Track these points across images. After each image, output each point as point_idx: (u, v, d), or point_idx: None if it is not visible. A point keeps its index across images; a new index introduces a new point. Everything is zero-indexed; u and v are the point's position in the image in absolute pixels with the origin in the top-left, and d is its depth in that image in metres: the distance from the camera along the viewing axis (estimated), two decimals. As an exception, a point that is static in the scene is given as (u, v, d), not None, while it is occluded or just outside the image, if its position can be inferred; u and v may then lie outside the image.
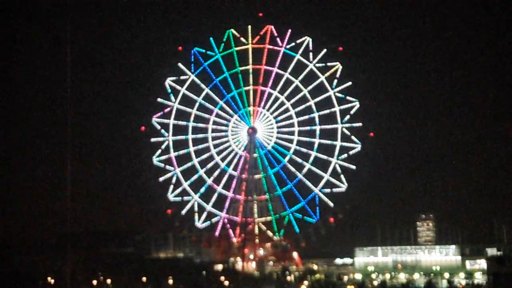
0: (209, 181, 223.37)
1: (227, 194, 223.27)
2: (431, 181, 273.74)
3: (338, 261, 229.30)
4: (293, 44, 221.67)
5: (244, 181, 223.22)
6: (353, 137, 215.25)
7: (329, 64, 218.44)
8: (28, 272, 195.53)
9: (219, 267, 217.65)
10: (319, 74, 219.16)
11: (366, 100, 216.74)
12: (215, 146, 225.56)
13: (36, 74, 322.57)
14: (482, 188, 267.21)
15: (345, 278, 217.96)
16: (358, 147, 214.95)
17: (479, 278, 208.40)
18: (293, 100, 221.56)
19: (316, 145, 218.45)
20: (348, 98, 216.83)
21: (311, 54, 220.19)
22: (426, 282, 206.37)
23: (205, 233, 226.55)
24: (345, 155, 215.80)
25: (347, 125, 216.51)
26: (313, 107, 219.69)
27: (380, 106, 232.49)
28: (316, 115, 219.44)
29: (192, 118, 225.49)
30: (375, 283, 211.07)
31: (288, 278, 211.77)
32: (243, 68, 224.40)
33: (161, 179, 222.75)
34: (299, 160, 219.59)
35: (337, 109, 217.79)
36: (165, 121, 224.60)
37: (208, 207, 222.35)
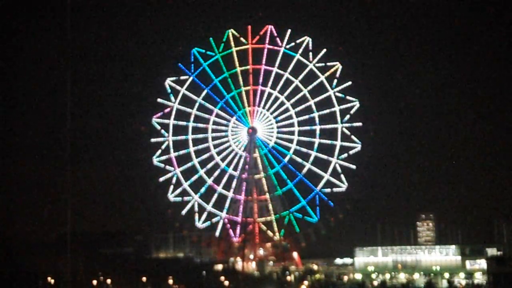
0: (209, 181, 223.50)
1: (227, 194, 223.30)
2: (431, 181, 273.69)
3: (338, 261, 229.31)
4: (293, 44, 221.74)
5: (244, 181, 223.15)
6: (353, 137, 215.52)
7: (329, 64, 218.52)
8: (28, 272, 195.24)
9: (219, 267, 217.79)
10: (319, 74, 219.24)
11: (366, 100, 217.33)
12: (215, 146, 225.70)
13: (36, 74, 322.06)
14: (482, 188, 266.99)
15: (345, 278, 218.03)
16: (358, 146, 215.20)
17: (479, 278, 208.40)
18: (293, 100, 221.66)
19: (316, 145, 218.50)
20: (348, 97, 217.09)
21: (311, 54, 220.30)
22: (426, 282, 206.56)
23: (205, 233, 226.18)
24: (345, 155, 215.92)
25: (347, 124, 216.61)
26: (313, 107, 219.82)
27: (380, 106, 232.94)
28: (316, 115, 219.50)
29: (192, 118, 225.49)
30: (375, 283, 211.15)
31: (288, 278, 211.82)
32: (243, 68, 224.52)
33: (161, 179, 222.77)
34: (299, 160, 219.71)
35: (337, 108, 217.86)
36: (165, 121, 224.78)
37: (208, 207, 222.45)
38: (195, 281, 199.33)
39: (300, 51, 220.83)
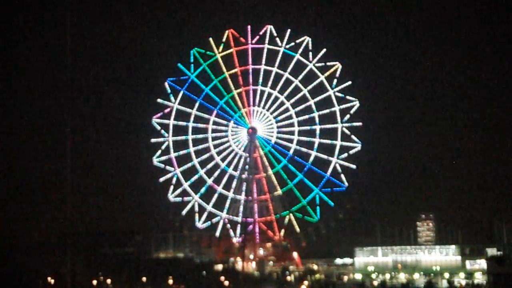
0: (209, 181, 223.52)
1: (227, 194, 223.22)
2: (431, 181, 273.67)
3: (338, 261, 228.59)
4: (292, 44, 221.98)
5: (244, 181, 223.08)
6: (353, 137, 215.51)
7: (328, 63, 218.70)
8: (28, 272, 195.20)
9: (219, 267, 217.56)
10: (319, 73, 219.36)
11: (366, 100, 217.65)
12: (215, 146, 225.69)
13: (36, 74, 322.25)
14: (482, 188, 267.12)
15: (345, 278, 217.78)
16: (358, 146, 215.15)
17: (479, 278, 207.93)
18: (293, 100, 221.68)
19: (316, 145, 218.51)
20: (348, 97, 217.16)
21: (310, 53, 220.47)
22: (426, 282, 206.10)
23: (205, 233, 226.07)
24: (345, 155, 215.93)
25: (347, 124, 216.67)
26: (313, 106, 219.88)
27: (380, 105, 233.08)
28: (316, 114, 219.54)
29: (192, 119, 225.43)
30: (375, 283, 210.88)
31: (288, 278, 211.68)
32: (243, 68, 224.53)
33: (161, 179, 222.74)
34: (299, 159, 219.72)
35: (337, 108, 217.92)
36: (165, 121, 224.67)
37: (209, 208, 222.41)
38: (195, 281, 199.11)
39: (300, 51, 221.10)
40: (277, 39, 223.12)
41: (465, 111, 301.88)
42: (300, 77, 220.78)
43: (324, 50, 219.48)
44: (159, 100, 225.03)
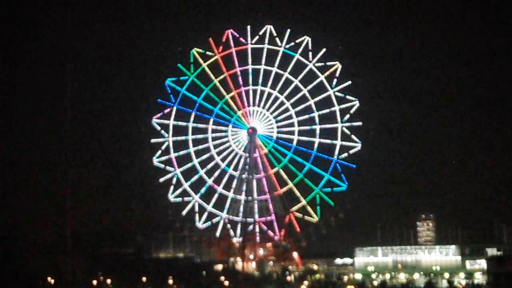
0: (210, 181, 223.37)
1: (227, 195, 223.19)
2: (431, 181, 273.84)
3: (338, 261, 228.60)
4: (292, 43, 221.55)
5: (244, 181, 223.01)
6: (353, 136, 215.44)
7: (328, 63, 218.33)
8: (28, 272, 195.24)
9: (219, 267, 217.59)
10: (319, 73, 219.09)
11: (366, 99, 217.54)
12: (215, 146, 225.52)
13: (36, 75, 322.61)
14: (482, 188, 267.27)
15: (345, 278, 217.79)
16: (358, 146, 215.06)
17: (479, 278, 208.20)
18: (292, 100, 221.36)
19: (316, 145, 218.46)
20: (348, 97, 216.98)
21: (310, 53, 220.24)
22: (426, 282, 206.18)
23: (205, 233, 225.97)
24: (346, 154, 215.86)
25: (347, 124, 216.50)
26: (313, 106, 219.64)
27: (380, 105, 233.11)
28: (316, 114, 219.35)
29: (192, 119, 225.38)
30: (375, 283, 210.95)
31: (288, 278, 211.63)
32: (242, 68, 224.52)
33: (161, 180, 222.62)
34: (300, 159, 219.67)
35: (337, 108, 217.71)
36: (165, 121, 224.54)
37: (209, 208, 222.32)
38: (195, 281, 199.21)
39: (300, 50, 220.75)
40: (277, 39, 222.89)
41: (465, 111, 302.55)
42: (300, 77, 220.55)
43: (324, 50, 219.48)
44: (159, 101, 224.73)
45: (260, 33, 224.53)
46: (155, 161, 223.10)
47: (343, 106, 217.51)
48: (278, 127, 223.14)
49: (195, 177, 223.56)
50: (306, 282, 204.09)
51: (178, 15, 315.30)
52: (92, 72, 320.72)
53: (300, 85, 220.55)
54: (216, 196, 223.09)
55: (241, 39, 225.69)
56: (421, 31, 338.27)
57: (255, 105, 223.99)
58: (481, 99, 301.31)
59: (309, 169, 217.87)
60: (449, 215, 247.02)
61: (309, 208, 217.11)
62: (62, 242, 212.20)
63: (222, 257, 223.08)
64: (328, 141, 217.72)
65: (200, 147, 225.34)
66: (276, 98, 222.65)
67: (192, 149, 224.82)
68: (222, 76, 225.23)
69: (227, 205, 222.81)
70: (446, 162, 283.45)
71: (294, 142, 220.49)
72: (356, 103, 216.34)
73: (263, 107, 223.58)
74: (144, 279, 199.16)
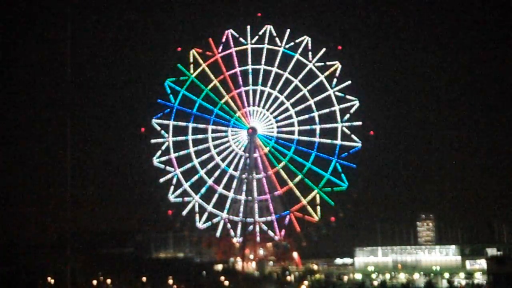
0: (210, 181, 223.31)
1: (227, 195, 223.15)
2: (431, 181, 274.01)
3: (338, 261, 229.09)
4: (292, 43, 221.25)
5: (244, 181, 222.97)
6: (353, 136, 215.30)
7: (328, 63, 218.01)
8: (28, 272, 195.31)
9: (219, 267, 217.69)
10: (319, 73, 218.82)
11: (366, 99, 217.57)
12: (215, 146, 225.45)
13: (36, 75, 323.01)
14: (482, 188, 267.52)
15: (345, 278, 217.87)
16: (359, 145, 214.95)
17: (479, 278, 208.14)
18: (292, 100, 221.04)
19: (316, 144, 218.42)
20: (348, 97, 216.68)
21: (310, 53, 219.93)
22: (426, 282, 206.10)
23: (205, 233, 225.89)
24: (346, 154, 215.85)
25: (347, 124, 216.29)
26: (313, 106, 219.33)
27: (380, 105, 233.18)
28: (316, 114, 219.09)
29: (192, 119, 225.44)
30: (375, 283, 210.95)
31: (288, 278, 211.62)
32: (242, 68, 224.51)
33: (161, 180, 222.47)
34: (300, 159, 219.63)
35: (336, 108, 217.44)
36: (165, 122, 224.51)
37: (209, 208, 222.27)
38: (195, 281, 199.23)
39: (300, 50, 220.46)
40: (277, 39, 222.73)
41: (465, 111, 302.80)
42: (300, 76, 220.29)
43: (324, 49, 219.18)
44: (158, 101, 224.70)
45: (260, 33, 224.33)
46: (155, 161, 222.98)
47: (343, 105, 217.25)
48: (278, 127, 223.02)
49: (195, 177, 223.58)
50: (306, 282, 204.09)
51: (178, 15, 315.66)
52: (92, 73, 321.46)
53: (300, 85, 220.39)
54: (216, 196, 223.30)
55: (240, 39, 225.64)
56: (421, 31, 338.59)
57: (255, 105, 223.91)
58: (481, 99, 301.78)
59: (309, 169, 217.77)
60: (449, 215, 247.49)
61: (309, 208, 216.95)
62: (62, 242, 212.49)
63: (222, 257, 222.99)
64: (328, 140, 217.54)
65: (200, 147, 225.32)
66: (276, 98, 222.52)
67: (192, 149, 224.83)
68: (222, 77, 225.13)
69: (227, 205, 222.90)
70: (446, 162, 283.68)
71: (294, 142, 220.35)
72: (356, 103, 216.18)
73: (263, 107, 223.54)
74: (144, 279, 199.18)
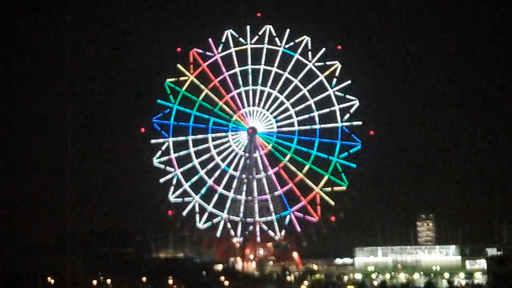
0: (210, 181, 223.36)
1: (227, 195, 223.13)
2: (431, 181, 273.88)
3: (338, 261, 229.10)
4: (291, 43, 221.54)
5: (244, 181, 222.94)
6: (353, 136, 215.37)
7: (328, 63, 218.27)
8: (28, 272, 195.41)
9: (219, 267, 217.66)
10: (318, 73, 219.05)
11: (366, 99, 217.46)
12: (215, 146, 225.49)
13: (36, 75, 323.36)
14: (482, 188, 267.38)
15: (345, 278, 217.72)
16: (359, 145, 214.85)
17: (479, 278, 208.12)
18: (292, 100, 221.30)
19: (316, 144, 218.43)
20: (348, 96, 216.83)
21: (310, 53, 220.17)
22: (426, 282, 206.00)
23: (206, 233, 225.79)
24: (346, 154, 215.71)
25: (347, 123, 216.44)
26: (313, 106, 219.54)
27: (380, 104, 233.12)
28: (315, 114, 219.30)
29: (192, 119, 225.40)
30: (375, 283, 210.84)
31: (288, 278, 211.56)
32: (242, 68, 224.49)
33: (161, 180, 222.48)
34: (300, 159, 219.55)
35: (336, 108, 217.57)
36: (165, 122, 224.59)
37: (209, 208, 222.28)
38: (195, 281, 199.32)
39: (299, 50, 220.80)
40: (276, 39, 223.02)
41: (466, 110, 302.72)
42: (300, 76, 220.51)
43: (324, 49, 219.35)
44: (158, 101, 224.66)
45: (260, 33, 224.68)
46: (155, 161, 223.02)
47: (343, 105, 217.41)
48: (278, 127, 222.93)
49: (196, 178, 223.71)
50: (306, 282, 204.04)
51: (178, 15, 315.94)
52: (92, 73, 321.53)
53: (299, 84, 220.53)
54: (216, 196, 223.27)
55: (240, 39, 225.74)
56: (421, 30, 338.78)
57: (255, 105, 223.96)
58: (482, 99, 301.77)
59: (309, 168, 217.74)
60: (449, 215, 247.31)
61: (309, 208, 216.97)
62: (62, 242, 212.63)
63: (222, 257, 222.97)
64: (328, 140, 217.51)
65: (200, 147, 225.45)
66: (276, 98, 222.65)
67: (192, 150, 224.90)
68: (221, 77, 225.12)
69: (227, 205, 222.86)
70: (446, 162, 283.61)
71: (294, 142, 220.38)
72: (356, 103, 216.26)
73: (263, 107, 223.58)
74: (144, 279, 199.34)
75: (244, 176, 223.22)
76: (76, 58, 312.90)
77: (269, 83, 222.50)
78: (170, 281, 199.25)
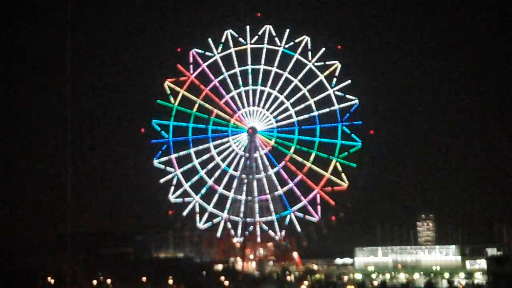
0: (210, 181, 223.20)
1: (228, 195, 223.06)
2: (431, 181, 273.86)
3: (338, 261, 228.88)
4: (291, 43, 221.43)
5: (244, 181, 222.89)
6: (353, 136, 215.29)
7: (328, 62, 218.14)
8: (28, 272, 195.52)
9: (219, 267, 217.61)
10: (318, 73, 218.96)
11: (366, 98, 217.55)
12: (215, 146, 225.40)
13: (36, 75, 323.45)
14: (482, 188, 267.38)
15: (345, 278, 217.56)
16: (359, 145, 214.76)
17: (479, 278, 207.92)
18: (292, 99, 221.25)
19: (316, 144, 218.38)
20: (348, 96, 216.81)
21: (309, 53, 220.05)
22: (426, 282, 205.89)
23: (206, 233, 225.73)
24: (346, 154, 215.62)
25: (347, 123, 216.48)
26: (313, 106, 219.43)
27: (380, 104, 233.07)
28: (316, 114, 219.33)
29: (192, 119, 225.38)
30: (375, 283, 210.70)
31: (288, 278, 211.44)
32: (242, 68, 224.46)
33: (161, 180, 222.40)
34: (300, 159, 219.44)
35: (336, 107, 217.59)
36: (165, 122, 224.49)
37: (209, 208, 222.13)
38: (195, 281, 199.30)
39: (299, 50, 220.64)
40: (276, 39, 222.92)
41: (466, 110, 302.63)
42: (300, 76, 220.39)
43: (323, 49, 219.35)
44: (158, 101, 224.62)
45: (259, 33, 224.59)
46: (156, 162, 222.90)
47: (343, 105, 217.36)
48: (278, 126, 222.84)
49: (196, 178, 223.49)
50: (306, 282, 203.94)
51: (177, 15, 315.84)
52: (92, 73, 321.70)
53: (299, 84, 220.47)
54: (216, 196, 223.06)
55: (240, 39, 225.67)
56: (421, 30, 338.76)
57: (255, 105, 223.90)
58: (482, 99, 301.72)
59: (309, 168, 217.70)
60: (449, 215, 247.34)
61: (309, 208, 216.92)
62: (62, 242, 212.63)
63: (222, 257, 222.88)
64: (328, 140, 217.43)
65: (200, 147, 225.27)
66: (276, 98, 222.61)
67: (192, 150, 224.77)
68: (221, 77, 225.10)
69: (227, 205, 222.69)
70: (446, 162, 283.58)
71: (294, 142, 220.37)
72: (356, 102, 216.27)
73: (263, 107, 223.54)
74: (144, 279, 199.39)
75: (244, 176, 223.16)
76: (76, 58, 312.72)
77: (269, 83, 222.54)
78: (170, 281, 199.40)
